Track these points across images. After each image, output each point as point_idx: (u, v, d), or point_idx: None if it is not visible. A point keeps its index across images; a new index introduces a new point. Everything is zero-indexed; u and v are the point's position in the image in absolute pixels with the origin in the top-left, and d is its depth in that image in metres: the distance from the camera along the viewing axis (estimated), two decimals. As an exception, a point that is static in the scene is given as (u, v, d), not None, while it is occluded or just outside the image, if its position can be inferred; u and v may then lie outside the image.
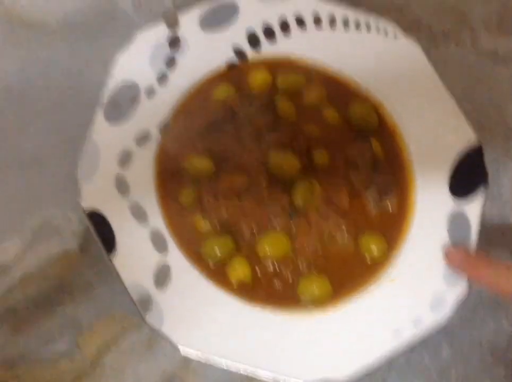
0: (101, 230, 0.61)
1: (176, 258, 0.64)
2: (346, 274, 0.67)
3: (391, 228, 0.69)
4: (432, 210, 0.69)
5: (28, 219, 0.67)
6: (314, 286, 0.65)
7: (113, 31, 0.74)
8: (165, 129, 0.68)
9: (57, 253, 0.67)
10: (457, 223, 0.67)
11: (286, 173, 0.67)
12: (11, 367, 0.63)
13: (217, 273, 0.65)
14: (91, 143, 0.63)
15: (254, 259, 0.66)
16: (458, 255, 0.64)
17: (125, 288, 0.60)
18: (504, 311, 0.71)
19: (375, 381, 0.68)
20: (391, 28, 0.72)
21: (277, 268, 0.66)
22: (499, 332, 0.70)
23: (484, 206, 0.67)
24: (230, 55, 0.72)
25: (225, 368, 0.61)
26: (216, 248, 0.65)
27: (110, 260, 0.61)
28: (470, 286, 0.64)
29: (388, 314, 0.65)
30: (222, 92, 0.71)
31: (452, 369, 0.69)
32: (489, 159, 0.68)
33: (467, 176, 0.68)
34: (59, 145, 0.70)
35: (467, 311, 0.70)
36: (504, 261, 0.60)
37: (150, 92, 0.67)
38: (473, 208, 0.67)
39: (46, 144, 0.70)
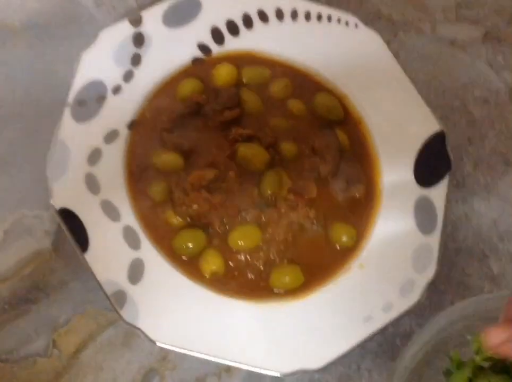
0: (74, 228, 0.62)
1: (149, 253, 0.65)
2: (316, 262, 0.68)
3: (359, 215, 0.70)
4: (399, 198, 0.70)
5: (0, 221, 0.68)
6: (285, 275, 0.66)
7: (77, 30, 0.75)
8: (133, 125, 0.69)
9: (30, 252, 0.67)
10: (423, 209, 0.69)
11: (254, 165, 0.68)
12: (-12, 368, 0.64)
13: (190, 266, 0.65)
14: (59, 142, 0.63)
15: (226, 251, 0.66)
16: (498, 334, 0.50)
17: (99, 285, 0.61)
18: (471, 294, 0.72)
19: (349, 367, 0.69)
20: (351, 19, 0.73)
21: (249, 259, 0.67)
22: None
23: (449, 192, 0.69)
24: (194, 51, 0.72)
25: (202, 359, 0.62)
26: (188, 241, 0.66)
27: (83, 258, 0.61)
28: (438, 270, 0.65)
29: (359, 301, 0.66)
30: (188, 87, 0.71)
31: (424, 351, 0.70)
32: (452, 146, 0.69)
33: (431, 164, 0.70)
34: (28, 146, 0.70)
35: (436, 295, 0.72)
36: None
37: (116, 90, 0.68)
38: (438, 195, 0.69)
39: (15, 146, 0.70)
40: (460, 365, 0.55)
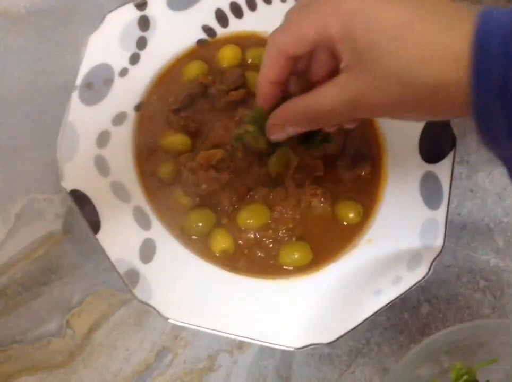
0: (85, 210, 0.63)
1: (160, 233, 0.66)
2: (324, 238, 0.69)
3: (366, 192, 0.71)
4: (404, 174, 0.71)
5: (11, 205, 0.69)
6: (294, 252, 0.67)
7: (82, 14, 0.75)
8: (140, 107, 0.69)
9: (41, 235, 0.68)
10: (429, 184, 0.69)
11: (261, 145, 0.69)
12: (3, 349, 0.64)
13: (200, 245, 0.66)
14: (68, 126, 0.64)
15: (235, 229, 0.67)
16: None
17: (112, 264, 0.61)
18: (478, 269, 0.73)
19: (359, 341, 0.70)
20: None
21: (258, 237, 0.67)
22: (474, 290, 0.73)
23: (454, 168, 0.69)
24: (199, 33, 0.73)
25: (214, 336, 0.63)
26: (198, 221, 0.66)
27: (95, 238, 0.62)
28: (444, 244, 0.66)
29: (368, 275, 0.66)
30: (194, 69, 0.72)
31: (432, 325, 0.71)
32: (456, 122, 0.70)
33: (436, 140, 0.71)
34: (38, 130, 0.71)
35: (443, 269, 0.73)
36: None
37: (123, 72, 0.69)
38: (444, 170, 0.69)
39: (24, 131, 0.71)
40: None
